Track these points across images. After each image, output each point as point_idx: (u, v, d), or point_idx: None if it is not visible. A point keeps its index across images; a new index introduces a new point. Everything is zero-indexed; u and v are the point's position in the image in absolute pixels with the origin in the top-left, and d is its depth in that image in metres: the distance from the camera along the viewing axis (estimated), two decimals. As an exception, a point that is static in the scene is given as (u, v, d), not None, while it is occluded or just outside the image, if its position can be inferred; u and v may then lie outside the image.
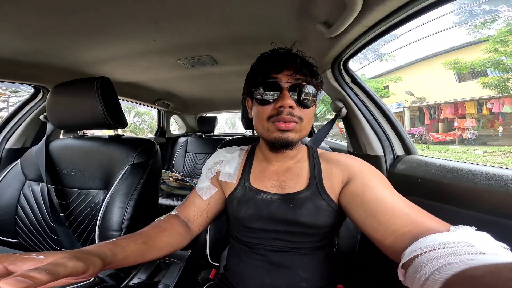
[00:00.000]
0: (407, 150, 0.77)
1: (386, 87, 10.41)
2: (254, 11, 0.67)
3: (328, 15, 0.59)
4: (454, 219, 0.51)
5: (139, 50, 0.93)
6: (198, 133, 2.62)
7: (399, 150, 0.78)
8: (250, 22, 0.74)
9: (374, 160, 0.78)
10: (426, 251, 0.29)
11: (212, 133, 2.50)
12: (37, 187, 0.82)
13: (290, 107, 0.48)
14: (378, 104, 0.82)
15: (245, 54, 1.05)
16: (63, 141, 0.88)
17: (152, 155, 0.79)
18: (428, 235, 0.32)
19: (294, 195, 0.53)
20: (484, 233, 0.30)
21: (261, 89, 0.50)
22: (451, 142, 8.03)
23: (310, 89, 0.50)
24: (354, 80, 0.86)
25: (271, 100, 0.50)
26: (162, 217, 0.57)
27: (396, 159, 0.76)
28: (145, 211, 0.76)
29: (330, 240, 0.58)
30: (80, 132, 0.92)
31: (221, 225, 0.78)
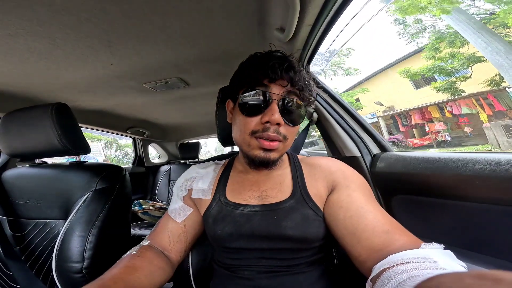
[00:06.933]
0: (382, 148, 0.77)
1: (358, 100, 11.14)
2: (216, 27, 0.68)
3: (281, 20, 0.60)
4: (444, 212, 0.49)
5: (97, 76, 0.90)
6: (182, 161, 2.53)
7: (375, 149, 0.78)
8: (214, 39, 0.75)
9: (353, 162, 0.77)
10: (394, 265, 0.31)
11: (197, 160, 2.42)
12: (-13, 219, 0.74)
13: (278, 124, 0.44)
14: (344, 106, 0.84)
15: (217, 73, 1.05)
16: (17, 170, 0.81)
17: (119, 180, 0.74)
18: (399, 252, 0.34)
19: (277, 206, 0.48)
20: (449, 251, 0.33)
21: (248, 96, 0.45)
22: (430, 146, 8.49)
23: (301, 106, 0.47)
24: (317, 84, 0.88)
25: (257, 112, 0.45)
26: (134, 251, 0.50)
27: (374, 157, 0.75)
28: (113, 240, 0.69)
29: (327, 253, 0.52)
30: (39, 161, 0.85)
31: (206, 250, 0.69)
